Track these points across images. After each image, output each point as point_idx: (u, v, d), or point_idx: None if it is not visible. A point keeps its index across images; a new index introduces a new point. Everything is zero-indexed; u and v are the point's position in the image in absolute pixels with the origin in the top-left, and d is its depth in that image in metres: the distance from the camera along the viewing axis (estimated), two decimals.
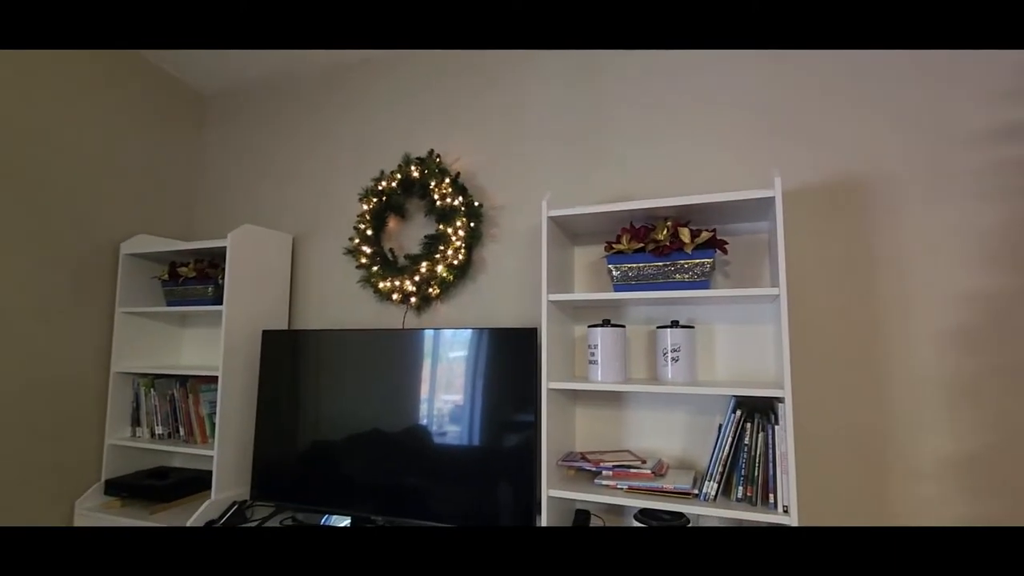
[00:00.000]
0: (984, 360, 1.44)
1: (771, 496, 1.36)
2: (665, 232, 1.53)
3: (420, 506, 1.79)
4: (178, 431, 2.22)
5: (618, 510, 1.72)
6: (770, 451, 1.38)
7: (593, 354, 1.60)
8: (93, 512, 2.07)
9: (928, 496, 1.45)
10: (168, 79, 2.55)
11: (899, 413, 1.50)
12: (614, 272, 1.59)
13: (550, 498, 1.53)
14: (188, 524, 1.86)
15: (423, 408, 1.84)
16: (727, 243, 1.55)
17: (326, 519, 1.90)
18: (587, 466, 1.58)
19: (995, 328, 1.43)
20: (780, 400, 1.35)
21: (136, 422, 2.27)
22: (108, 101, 2.29)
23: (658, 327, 1.61)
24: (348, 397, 1.94)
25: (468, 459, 1.77)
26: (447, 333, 1.84)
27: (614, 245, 1.58)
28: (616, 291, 1.58)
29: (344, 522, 1.88)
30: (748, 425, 1.43)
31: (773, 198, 1.40)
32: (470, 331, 1.81)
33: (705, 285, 1.50)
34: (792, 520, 1.28)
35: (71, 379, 2.13)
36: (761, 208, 1.52)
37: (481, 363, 1.79)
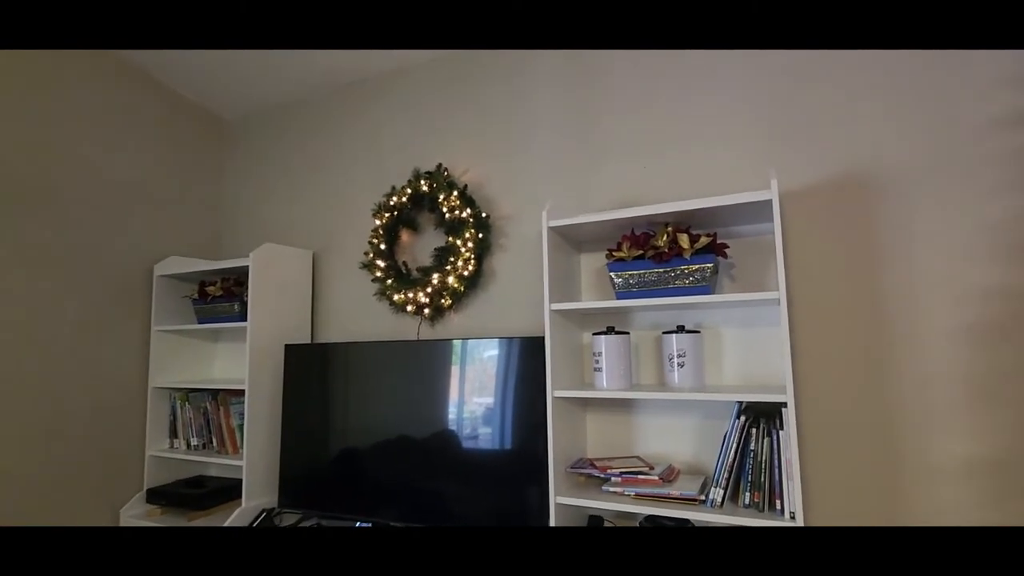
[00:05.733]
0: (1001, 358, 1.38)
1: (778, 502, 1.34)
2: (664, 238, 1.53)
3: (437, 513, 1.84)
4: (211, 442, 2.33)
5: (630, 516, 1.73)
6: (776, 457, 1.36)
7: (598, 362, 1.61)
8: (137, 519, 2.20)
9: (946, 500, 1.41)
10: (191, 105, 2.68)
11: (913, 415, 1.45)
12: (616, 279, 1.59)
13: (559, 505, 1.55)
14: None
15: (435, 418, 1.89)
16: (727, 247, 1.54)
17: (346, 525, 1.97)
18: (596, 472, 1.59)
19: (1011, 325, 1.38)
20: (784, 405, 1.34)
21: (173, 434, 2.40)
22: (139, 131, 2.43)
23: (664, 333, 1.61)
24: (363, 408, 2.01)
25: (483, 467, 1.80)
26: (458, 344, 1.89)
27: (615, 253, 1.59)
28: (618, 299, 1.59)
29: (366, 527, 1.94)
30: (754, 431, 1.42)
31: (770, 200, 1.38)
32: (480, 341, 1.85)
33: (706, 290, 1.49)
34: (799, 526, 1.27)
35: (114, 394, 2.28)
36: (764, 210, 1.50)
37: (492, 372, 1.83)
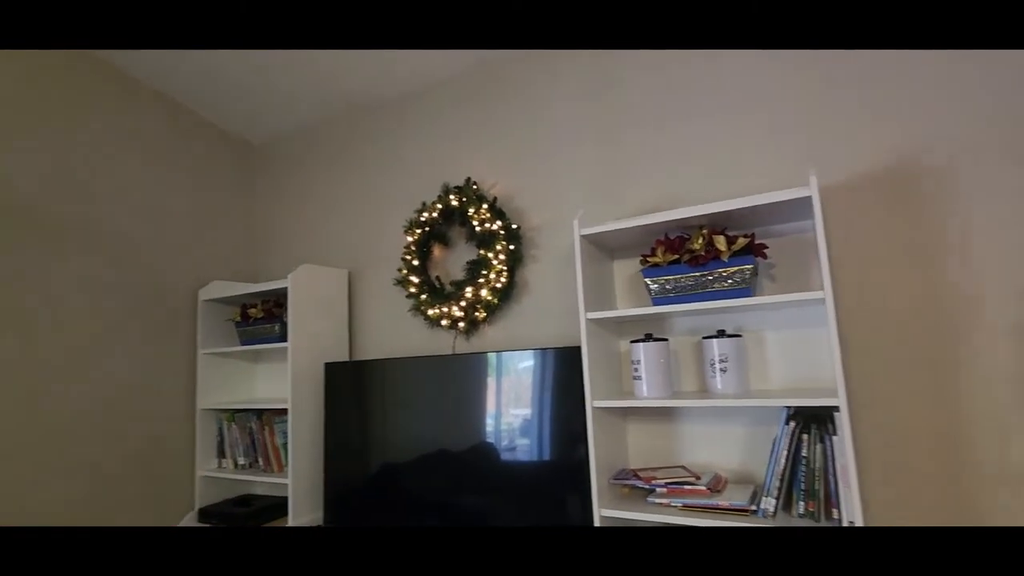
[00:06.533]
0: None
1: (835, 511, 1.28)
2: (700, 241, 1.49)
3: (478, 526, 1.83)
4: (257, 461, 2.39)
5: None
6: (830, 463, 1.30)
7: (636, 370, 1.58)
8: None
9: (1019, 506, 1.32)
10: (221, 133, 2.79)
11: (977, 416, 1.37)
12: (651, 285, 1.57)
13: (603, 518, 1.52)
14: None
15: (474, 432, 1.88)
16: (767, 247, 1.50)
17: None
18: (639, 483, 1.55)
19: None
20: (836, 409, 1.28)
21: (221, 454, 2.47)
22: (176, 162, 2.54)
23: (704, 338, 1.57)
24: (403, 424, 2.02)
25: (524, 480, 1.79)
26: (494, 356, 1.88)
27: (649, 258, 1.57)
28: (655, 305, 1.56)
29: None
30: (805, 436, 1.36)
31: (810, 197, 1.34)
32: (516, 353, 1.84)
33: (747, 293, 1.45)
34: None
35: (164, 416, 2.36)
36: (804, 206, 1.45)
37: (529, 384, 1.82)
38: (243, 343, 2.48)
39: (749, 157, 1.71)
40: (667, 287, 1.55)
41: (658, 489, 1.52)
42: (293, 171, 2.82)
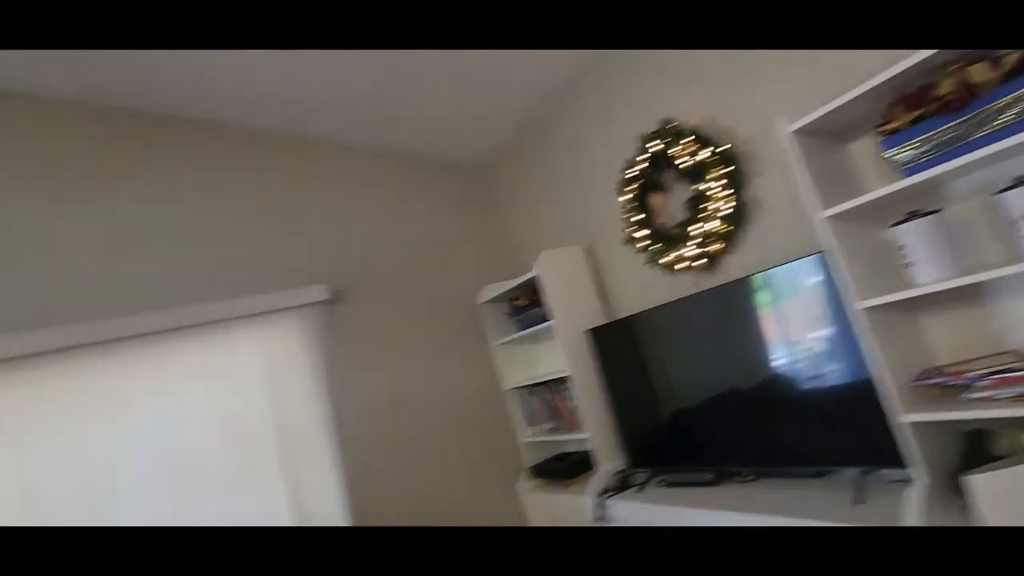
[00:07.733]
0: None
1: None
2: (949, 81, 1.22)
3: (778, 456, 1.81)
4: (560, 424, 2.78)
5: (1017, 423, 1.38)
6: None
7: (906, 256, 1.37)
8: (529, 492, 2.78)
9: None
10: (454, 167, 3.30)
11: None
12: (897, 157, 1.33)
13: (914, 424, 1.36)
14: (586, 492, 2.32)
15: (748, 360, 1.87)
16: None
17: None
18: (948, 380, 1.34)
19: None
20: None
21: (532, 422, 2.95)
22: (434, 203, 3.14)
23: (997, 193, 1.27)
24: (679, 366, 2.12)
25: (814, 401, 1.71)
26: (748, 281, 1.84)
27: (884, 127, 1.34)
28: (909, 175, 1.32)
29: (708, 477, 2.04)
30: None
31: None
32: (765, 274, 1.77)
33: None
34: None
35: (487, 400, 2.95)
36: None
37: (793, 302, 1.72)
38: (520, 329, 2.91)
39: None
40: (920, 151, 1.30)
41: (976, 383, 1.29)
42: (516, 172, 3.18)
